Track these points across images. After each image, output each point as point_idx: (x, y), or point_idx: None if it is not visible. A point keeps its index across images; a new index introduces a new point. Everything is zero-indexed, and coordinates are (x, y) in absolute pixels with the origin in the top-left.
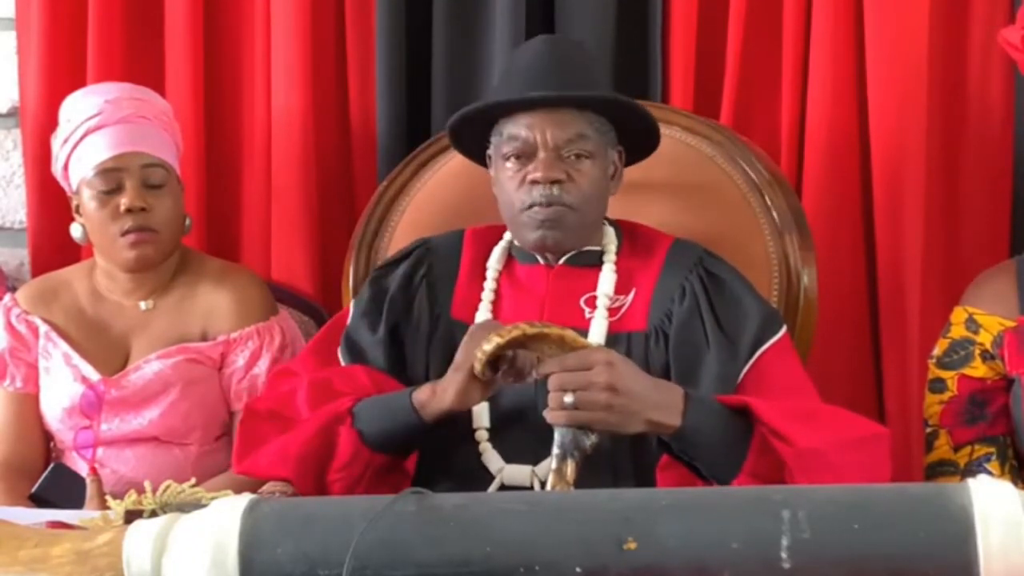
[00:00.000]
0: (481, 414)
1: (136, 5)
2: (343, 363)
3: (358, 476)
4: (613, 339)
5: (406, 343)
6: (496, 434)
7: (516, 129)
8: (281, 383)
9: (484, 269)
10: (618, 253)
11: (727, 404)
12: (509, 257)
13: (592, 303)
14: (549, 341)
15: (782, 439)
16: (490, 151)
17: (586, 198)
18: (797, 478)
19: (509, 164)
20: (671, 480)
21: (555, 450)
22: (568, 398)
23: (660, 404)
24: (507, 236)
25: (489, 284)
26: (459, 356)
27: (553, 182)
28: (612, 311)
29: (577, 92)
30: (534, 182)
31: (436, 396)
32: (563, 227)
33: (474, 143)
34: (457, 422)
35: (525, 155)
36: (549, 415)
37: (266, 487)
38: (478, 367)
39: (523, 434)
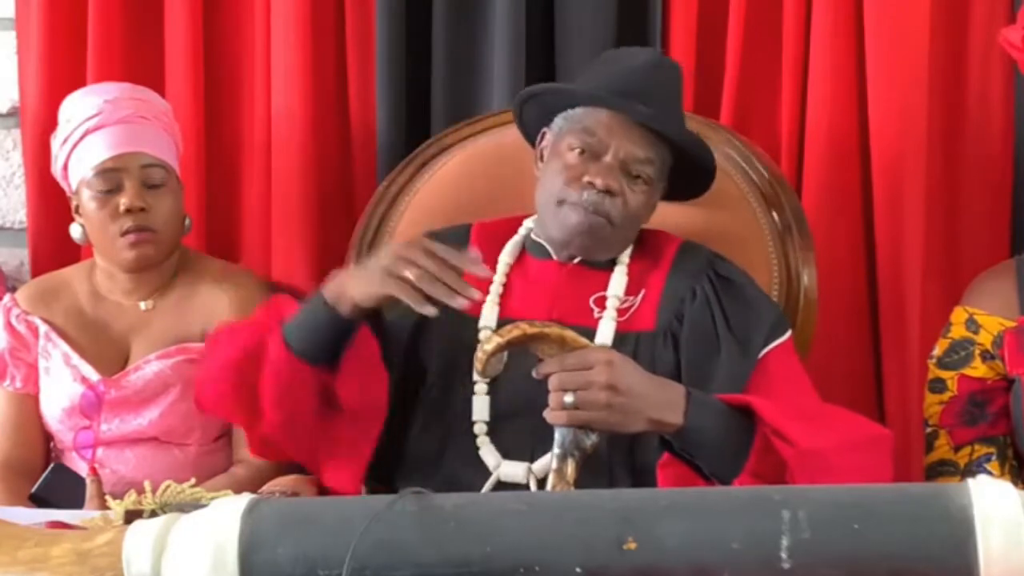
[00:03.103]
0: (480, 408)
1: (136, 5)
2: None
3: (288, 389)
4: (621, 339)
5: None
6: (494, 429)
7: (594, 125)
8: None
9: (491, 262)
10: (630, 256)
11: (729, 403)
12: (523, 250)
13: (601, 303)
14: (549, 341)
15: (784, 439)
16: (548, 129)
17: (629, 219)
18: (798, 479)
19: (570, 155)
20: (672, 477)
21: (555, 450)
22: (568, 398)
23: (662, 403)
24: (523, 230)
25: (499, 276)
26: (377, 259)
27: (607, 191)
28: (620, 311)
29: (678, 125)
30: (590, 184)
31: (344, 288)
32: (596, 238)
33: (536, 117)
34: (456, 418)
35: (591, 152)
36: (549, 415)
37: (266, 487)
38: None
39: (521, 430)
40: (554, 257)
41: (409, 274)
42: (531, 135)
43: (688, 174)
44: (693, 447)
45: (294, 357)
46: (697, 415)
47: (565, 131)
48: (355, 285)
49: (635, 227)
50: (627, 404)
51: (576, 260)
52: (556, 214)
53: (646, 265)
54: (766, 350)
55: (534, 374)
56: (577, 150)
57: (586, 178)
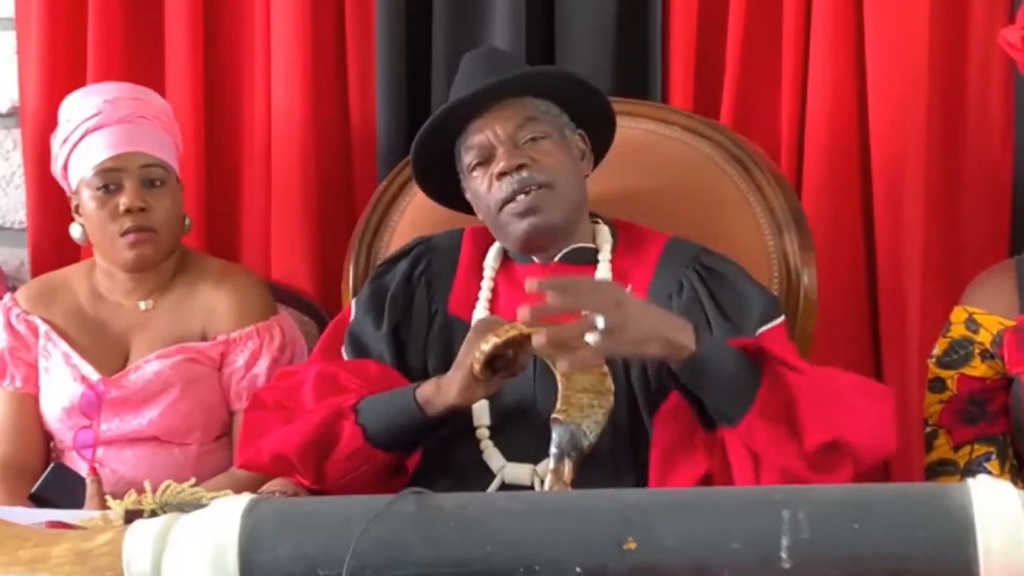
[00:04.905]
0: (482, 412)
1: (136, 5)
2: (346, 360)
3: (356, 469)
4: None
5: (406, 340)
6: (497, 432)
7: (469, 139)
8: (289, 378)
9: (482, 267)
10: (613, 251)
11: (738, 346)
12: (505, 256)
13: None
14: None
15: (794, 369)
16: (462, 184)
17: (556, 175)
18: (806, 409)
19: (476, 173)
20: (668, 432)
21: (553, 450)
22: (600, 322)
23: (673, 324)
24: None
25: (486, 282)
26: (462, 352)
27: (518, 168)
28: None
29: (500, 76)
30: (501, 174)
31: (440, 392)
32: (545, 208)
33: (447, 188)
34: (457, 420)
35: (486, 159)
36: (581, 355)
37: (266, 487)
38: (476, 367)
39: (524, 432)
40: (536, 260)
41: None
42: (457, 201)
43: (594, 116)
44: (703, 379)
45: (372, 447)
46: (707, 344)
47: (464, 168)
48: (453, 391)
49: (576, 183)
50: (641, 320)
51: (558, 259)
52: (502, 224)
53: (632, 261)
54: (760, 331)
55: (530, 285)
56: (477, 167)
57: (495, 172)
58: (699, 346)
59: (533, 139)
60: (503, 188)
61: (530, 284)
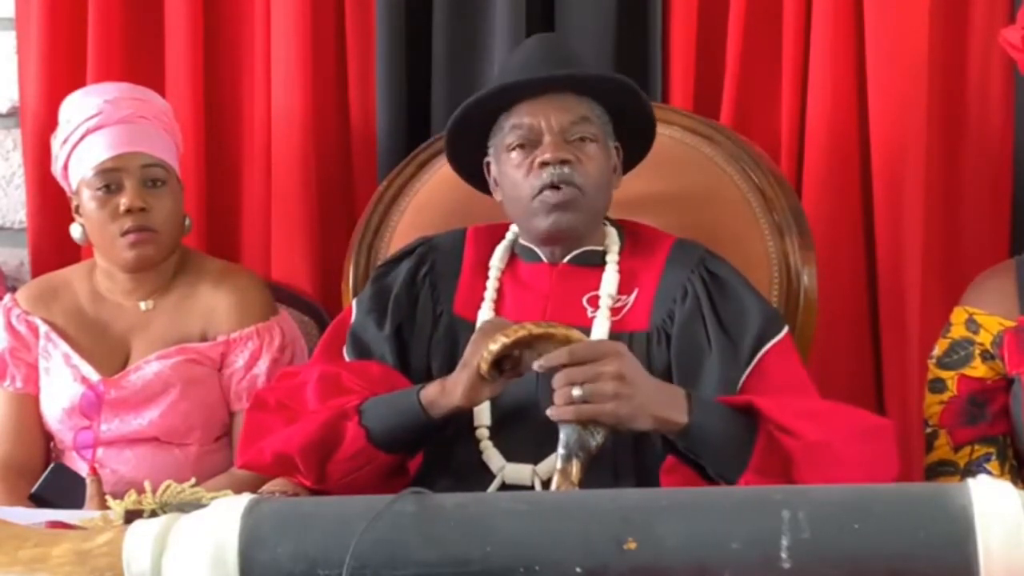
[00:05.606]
0: (482, 412)
1: (136, 5)
2: (348, 360)
3: (359, 469)
4: (615, 339)
5: (410, 341)
6: (497, 432)
7: (519, 118)
8: (291, 378)
9: (487, 267)
10: (620, 253)
11: (730, 403)
12: (512, 255)
13: (595, 302)
14: (555, 341)
15: (789, 434)
16: (488, 157)
17: (594, 181)
18: (804, 473)
19: (514, 154)
20: (676, 483)
21: (560, 450)
22: (577, 391)
23: (666, 402)
24: (510, 235)
25: (492, 282)
26: (467, 353)
27: (563, 162)
28: (614, 311)
29: (579, 71)
30: (543, 164)
31: (445, 393)
32: (575, 209)
33: (468, 156)
34: (458, 420)
35: (530, 143)
36: (556, 412)
37: (266, 487)
38: (484, 367)
39: (524, 432)
40: (544, 260)
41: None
42: (475, 174)
43: (634, 127)
44: (697, 446)
45: (375, 449)
46: (700, 414)
47: (501, 144)
48: (459, 392)
49: (606, 193)
50: (635, 397)
51: (566, 260)
52: (530, 211)
53: (639, 263)
54: (763, 351)
55: (536, 367)
56: (517, 148)
57: (537, 160)
58: (691, 417)
59: (582, 139)
60: (542, 177)
61: (538, 365)
